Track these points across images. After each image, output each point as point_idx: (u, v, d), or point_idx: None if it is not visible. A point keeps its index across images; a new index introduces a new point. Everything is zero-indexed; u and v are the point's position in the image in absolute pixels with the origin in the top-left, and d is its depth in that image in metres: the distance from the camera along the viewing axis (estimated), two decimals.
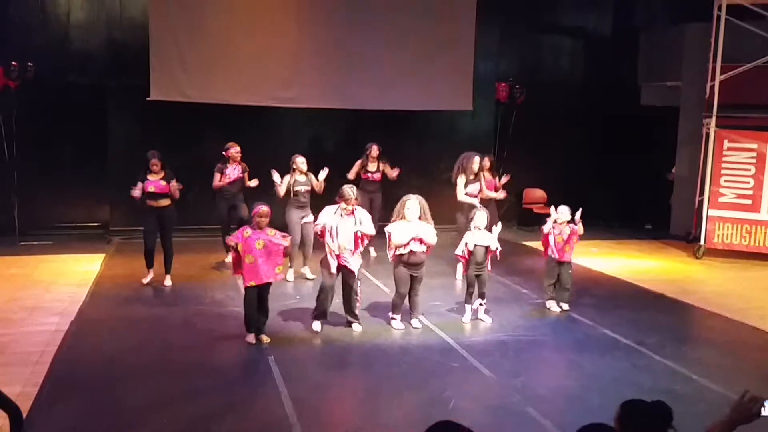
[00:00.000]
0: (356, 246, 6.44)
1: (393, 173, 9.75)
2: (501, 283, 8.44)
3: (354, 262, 6.44)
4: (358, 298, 6.59)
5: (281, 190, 8.17)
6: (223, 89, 10.62)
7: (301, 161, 8.31)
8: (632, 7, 13.11)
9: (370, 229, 6.50)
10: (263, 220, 6.06)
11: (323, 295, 6.45)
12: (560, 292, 7.29)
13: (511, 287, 8.38)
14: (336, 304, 6.69)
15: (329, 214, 6.43)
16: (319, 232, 6.47)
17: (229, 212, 8.86)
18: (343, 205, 6.40)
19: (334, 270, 6.40)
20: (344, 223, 6.38)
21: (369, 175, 9.66)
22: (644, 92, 12.68)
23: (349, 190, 6.45)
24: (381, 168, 9.70)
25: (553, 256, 7.23)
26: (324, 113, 11.33)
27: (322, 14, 10.97)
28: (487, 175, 9.49)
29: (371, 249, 9.73)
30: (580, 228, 7.20)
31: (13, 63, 9.99)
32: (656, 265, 10.05)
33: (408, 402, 5.20)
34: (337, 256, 6.37)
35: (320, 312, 6.50)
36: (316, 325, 6.50)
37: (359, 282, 6.60)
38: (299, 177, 8.25)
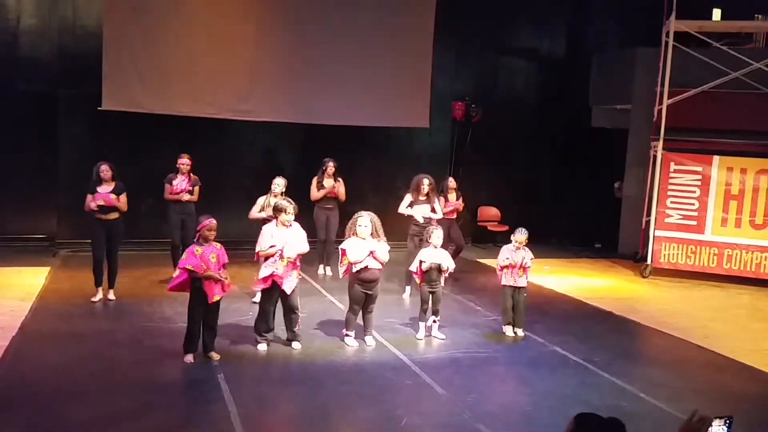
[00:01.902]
0: (294, 264, 6.32)
1: (342, 194, 9.62)
2: (455, 300, 8.49)
3: (291, 281, 6.30)
4: (299, 316, 6.48)
5: (254, 213, 8.00)
6: (178, 100, 10.49)
7: (276, 184, 8.05)
8: (585, 30, 13.47)
9: (303, 248, 6.38)
10: (212, 234, 5.98)
11: (264, 317, 6.34)
12: (517, 317, 7.20)
13: (465, 304, 8.44)
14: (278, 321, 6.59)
15: (271, 233, 6.26)
16: (265, 256, 6.23)
17: (181, 226, 8.70)
18: (283, 217, 6.27)
19: (273, 289, 6.26)
20: (287, 238, 6.25)
21: (324, 189, 9.58)
22: (595, 114, 13.00)
23: (285, 203, 6.33)
24: (336, 184, 9.64)
25: (510, 283, 7.10)
26: (281, 127, 11.29)
27: (280, 28, 10.96)
28: (452, 196, 9.61)
29: (327, 268, 9.71)
30: (528, 261, 7.09)
31: None
32: (605, 283, 10.26)
33: (360, 419, 5.17)
34: (273, 275, 6.21)
35: (263, 334, 6.38)
36: (262, 347, 6.37)
37: (298, 299, 6.49)
38: (274, 201, 8.05)
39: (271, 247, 6.23)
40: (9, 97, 10.21)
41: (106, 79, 10.07)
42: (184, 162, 8.67)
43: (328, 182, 9.58)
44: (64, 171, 10.38)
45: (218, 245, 6.03)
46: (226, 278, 6.01)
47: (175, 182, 8.66)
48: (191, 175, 8.74)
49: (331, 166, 9.55)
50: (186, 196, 8.66)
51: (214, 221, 5.99)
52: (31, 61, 10.45)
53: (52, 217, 10.57)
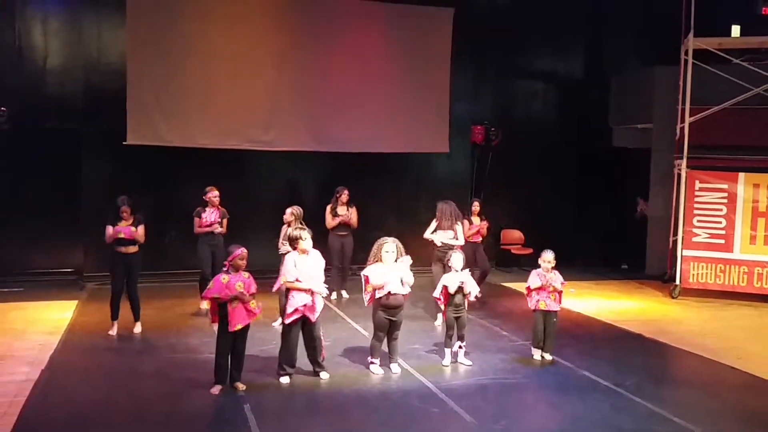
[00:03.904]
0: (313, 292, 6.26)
1: (354, 222, 9.76)
2: (481, 326, 8.41)
3: (318, 306, 6.27)
4: (323, 346, 6.45)
5: (283, 249, 8.08)
6: (200, 133, 10.66)
7: (287, 213, 8.15)
8: (603, 51, 13.46)
9: (320, 286, 6.28)
10: (242, 263, 6.00)
11: (288, 347, 6.29)
12: (546, 341, 7.08)
13: (491, 329, 8.35)
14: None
15: (294, 262, 6.23)
16: (300, 288, 6.21)
17: (212, 257, 8.77)
18: (301, 245, 6.25)
19: (295, 318, 6.23)
20: (306, 266, 6.23)
21: (339, 217, 9.71)
22: (616, 134, 12.94)
23: (298, 231, 6.32)
24: (349, 212, 9.73)
25: (538, 306, 7.02)
26: (302, 156, 11.41)
27: (299, 59, 11.11)
28: (476, 219, 9.68)
29: (343, 291, 9.78)
30: (558, 285, 7.01)
31: (3, 108, 9.96)
32: (633, 305, 10.10)
33: None
34: (303, 307, 6.20)
35: (287, 365, 6.32)
36: (285, 380, 6.30)
37: (322, 329, 6.46)
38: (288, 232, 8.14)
39: (297, 280, 6.20)
40: (36, 134, 10.43)
41: (130, 115, 10.27)
42: (215, 194, 8.78)
43: (341, 210, 9.70)
44: (89, 205, 10.54)
45: (246, 274, 6.05)
46: (252, 301, 5.99)
47: (204, 215, 8.75)
48: (219, 207, 8.83)
49: (345, 195, 9.66)
50: (218, 228, 8.74)
51: (245, 250, 6.02)
52: (58, 98, 10.69)
53: (78, 251, 10.72)
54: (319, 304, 6.31)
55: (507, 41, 12.42)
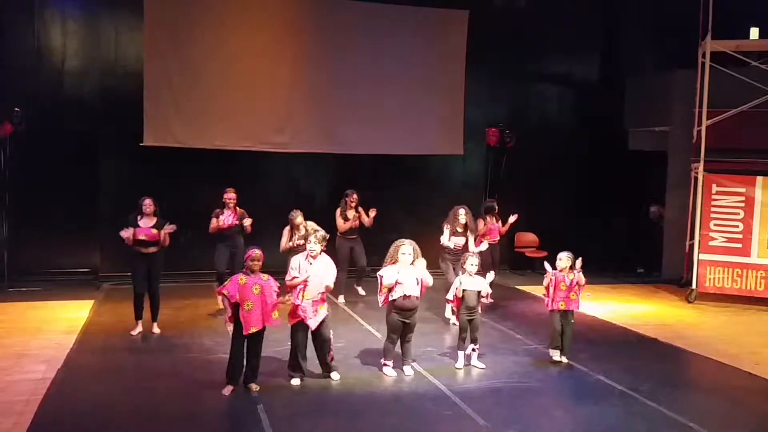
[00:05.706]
0: (321, 300, 6.24)
1: (368, 220, 9.74)
2: (494, 329, 8.38)
3: (317, 318, 6.22)
4: (331, 348, 6.43)
5: (283, 245, 8.18)
6: (216, 135, 10.73)
7: (295, 217, 8.20)
8: (618, 53, 13.38)
9: (330, 280, 6.26)
10: (256, 264, 6.00)
11: (295, 351, 6.29)
12: (564, 342, 7.02)
13: (504, 332, 8.32)
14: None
15: (299, 264, 6.20)
16: (296, 285, 6.18)
17: (230, 258, 8.79)
18: (307, 246, 6.29)
19: (301, 322, 6.22)
20: (312, 271, 6.21)
21: (350, 221, 9.73)
22: (632, 137, 12.85)
23: (312, 237, 6.33)
24: (358, 215, 9.76)
25: (556, 306, 6.94)
26: (316, 157, 11.44)
27: (314, 61, 11.15)
28: (490, 219, 9.70)
29: (359, 288, 9.82)
30: (581, 278, 6.96)
31: (16, 109, 10.04)
32: (649, 309, 10.02)
33: None
34: (299, 309, 6.16)
35: (295, 367, 6.32)
36: (295, 381, 6.30)
37: (331, 332, 6.44)
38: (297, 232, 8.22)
39: (293, 278, 6.20)
40: (54, 137, 10.54)
41: (147, 116, 10.35)
42: (231, 197, 8.79)
43: (350, 213, 9.73)
44: (106, 206, 10.65)
45: (265, 277, 6.04)
46: (276, 311, 6.02)
47: (222, 217, 8.76)
48: (237, 208, 8.86)
49: (354, 198, 9.69)
50: (225, 223, 8.69)
51: (257, 251, 6.02)
52: (75, 100, 10.81)
53: (95, 251, 10.82)
54: (318, 315, 6.22)
55: (522, 43, 12.37)
